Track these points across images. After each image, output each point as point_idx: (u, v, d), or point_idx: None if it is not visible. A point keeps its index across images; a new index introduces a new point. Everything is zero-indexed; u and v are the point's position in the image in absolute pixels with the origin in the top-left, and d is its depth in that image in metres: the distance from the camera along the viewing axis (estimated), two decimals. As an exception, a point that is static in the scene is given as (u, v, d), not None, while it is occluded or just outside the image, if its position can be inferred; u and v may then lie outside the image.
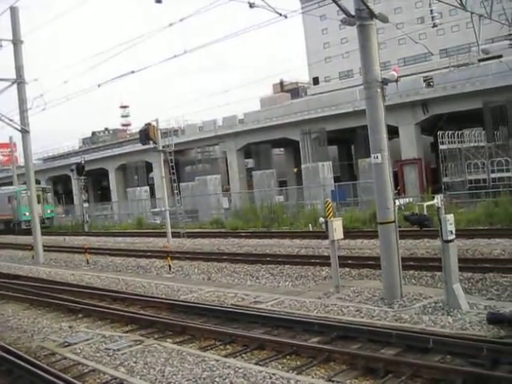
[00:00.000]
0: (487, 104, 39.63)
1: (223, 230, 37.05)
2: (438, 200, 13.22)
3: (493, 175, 36.36)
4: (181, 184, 47.44)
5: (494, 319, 11.04)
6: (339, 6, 13.21)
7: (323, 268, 19.31)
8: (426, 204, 13.49)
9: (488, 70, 42.00)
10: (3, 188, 63.17)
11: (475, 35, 20.48)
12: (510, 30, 23.24)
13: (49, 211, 57.10)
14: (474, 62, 48.07)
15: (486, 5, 20.69)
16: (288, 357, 10.46)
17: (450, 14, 39.39)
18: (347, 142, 61.12)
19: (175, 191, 36.37)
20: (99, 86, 26.55)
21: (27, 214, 46.91)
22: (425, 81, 47.70)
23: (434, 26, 18.50)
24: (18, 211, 54.20)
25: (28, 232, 45.10)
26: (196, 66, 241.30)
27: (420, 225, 15.82)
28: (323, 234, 18.12)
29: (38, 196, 48.89)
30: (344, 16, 13.57)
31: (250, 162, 64.24)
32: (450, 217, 13.02)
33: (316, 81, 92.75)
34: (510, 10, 22.14)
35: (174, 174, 35.24)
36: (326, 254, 19.10)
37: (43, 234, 38.12)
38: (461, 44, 68.05)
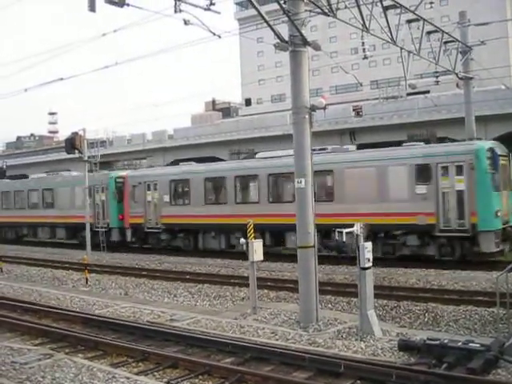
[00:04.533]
0: (412, 137, 40.65)
1: (145, 245, 36.54)
2: (357, 227, 13.43)
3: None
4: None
5: (405, 346, 11.29)
6: (273, 30, 13.38)
7: (242, 289, 19.33)
8: (345, 231, 13.66)
9: (415, 104, 43.40)
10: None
11: (404, 70, 21.14)
12: (437, 67, 24.14)
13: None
14: (402, 95, 49.57)
15: (416, 42, 21.42)
16: (200, 376, 10.38)
17: (382, 48, 40.60)
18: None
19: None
20: (26, 90, 25.78)
21: None
22: (354, 110, 48.78)
23: (365, 57, 19.02)
24: None
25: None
26: (129, 78, 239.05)
27: (338, 251, 16.11)
28: (245, 255, 18.16)
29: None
30: (278, 41, 13.76)
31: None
32: (368, 244, 13.27)
33: (248, 102, 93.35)
34: (437, 49, 23.04)
35: (98, 185, 34.69)
36: (246, 275, 19.12)
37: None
38: (391, 77, 70.11)
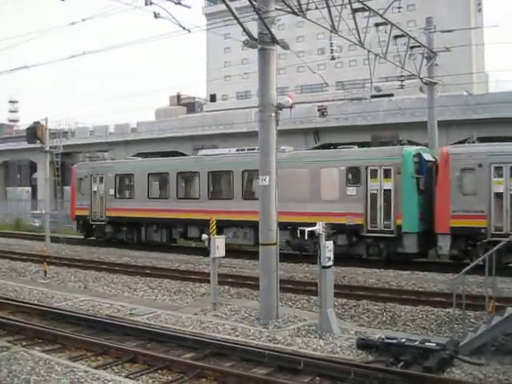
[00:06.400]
0: (375, 138, 41.24)
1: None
2: (319, 226, 13.54)
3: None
4: (66, 187, 45.92)
5: (363, 344, 11.46)
6: (243, 27, 13.41)
7: (202, 284, 19.34)
8: (307, 229, 13.74)
9: (379, 106, 43.88)
10: None
11: (370, 72, 21.39)
12: (402, 71, 24.52)
13: None
14: (367, 97, 50.10)
15: (383, 45, 21.71)
16: (160, 371, 10.38)
17: (349, 49, 40.96)
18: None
19: (59, 194, 35.24)
20: (-13, 77, 25.27)
21: None
22: (319, 110, 49.10)
23: (333, 58, 19.24)
24: None
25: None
26: (96, 69, 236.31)
27: (300, 249, 16.14)
28: (205, 251, 18.24)
29: None
30: (247, 38, 13.79)
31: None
32: (329, 243, 13.41)
33: (213, 98, 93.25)
34: (404, 53, 23.39)
35: (59, 176, 34.12)
36: (207, 271, 19.15)
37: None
38: (356, 79, 70.69)
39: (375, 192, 23.30)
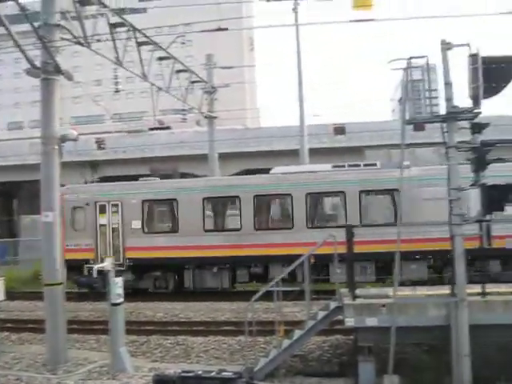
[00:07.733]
0: (154, 171, 41.63)
1: None
2: (108, 263, 13.21)
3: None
4: None
5: (160, 381, 11.29)
6: (25, 55, 12.72)
7: (-23, 332, 17.66)
8: (96, 266, 13.36)
9: (158, 139, 44.35)
10: None
11: (153, 105, 21.52)
12: (184, 105, 25.07)
13: None
14: (145, 130, 50.48)
15: (165, 78, 22.04)
16: None
17: (127, 81, 41.00)
18: (10, 196, 58.16)
19: None
20: None
21: None
22: (96, 142, 48.28)
23: (117, 90, 19.09)
24: None
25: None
26: None
27: (90, 287, 15.52)
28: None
29: None
30: (29, 66, 13.11)
31: None
32: (119, 280, 13.12)
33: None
34: (186, 87, 23.94)
35: None
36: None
37: None
38: (133, 111, 70.70)
39: None
